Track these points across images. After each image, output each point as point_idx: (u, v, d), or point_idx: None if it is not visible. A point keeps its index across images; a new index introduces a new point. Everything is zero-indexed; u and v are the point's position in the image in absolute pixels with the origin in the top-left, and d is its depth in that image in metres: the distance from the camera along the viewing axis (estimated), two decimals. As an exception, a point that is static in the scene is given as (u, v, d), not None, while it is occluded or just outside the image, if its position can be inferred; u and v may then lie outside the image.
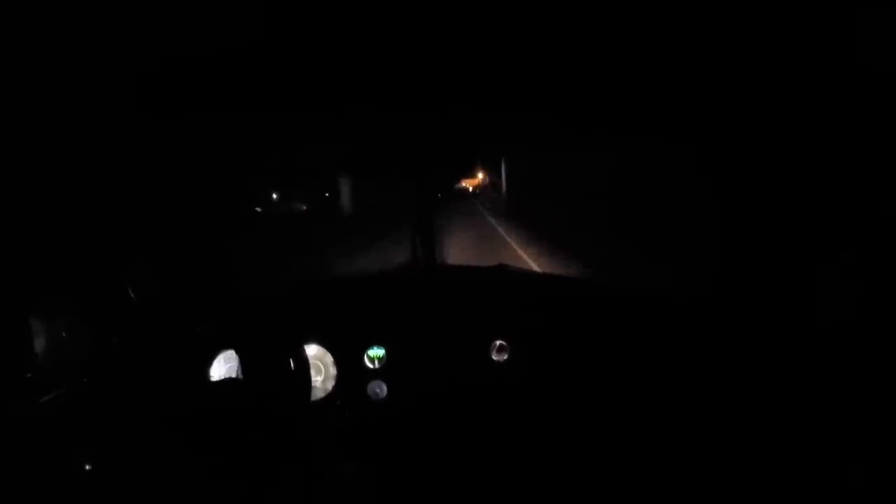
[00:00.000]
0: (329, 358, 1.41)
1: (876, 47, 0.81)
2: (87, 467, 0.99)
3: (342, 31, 0.88)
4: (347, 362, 1.41)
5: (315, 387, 1.36)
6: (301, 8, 0.82)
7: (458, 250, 6.04)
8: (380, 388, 1.41)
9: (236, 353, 1.17)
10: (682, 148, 1.45)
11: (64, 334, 1.11)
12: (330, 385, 1.40)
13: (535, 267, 5.31)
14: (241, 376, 1.27)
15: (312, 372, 1.26)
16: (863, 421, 0.90)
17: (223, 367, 1.33)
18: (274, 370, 1.14)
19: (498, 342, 1.45)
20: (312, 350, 1.40)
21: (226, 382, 1.19)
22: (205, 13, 0.82)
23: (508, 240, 8.05)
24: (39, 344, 1.06)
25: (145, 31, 0.85)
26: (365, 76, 1.02)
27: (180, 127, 1.18)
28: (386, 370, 1.42)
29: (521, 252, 6.73)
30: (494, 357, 1.45)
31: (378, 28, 0.88)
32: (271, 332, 1.14)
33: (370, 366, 1.43)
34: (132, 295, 1.25)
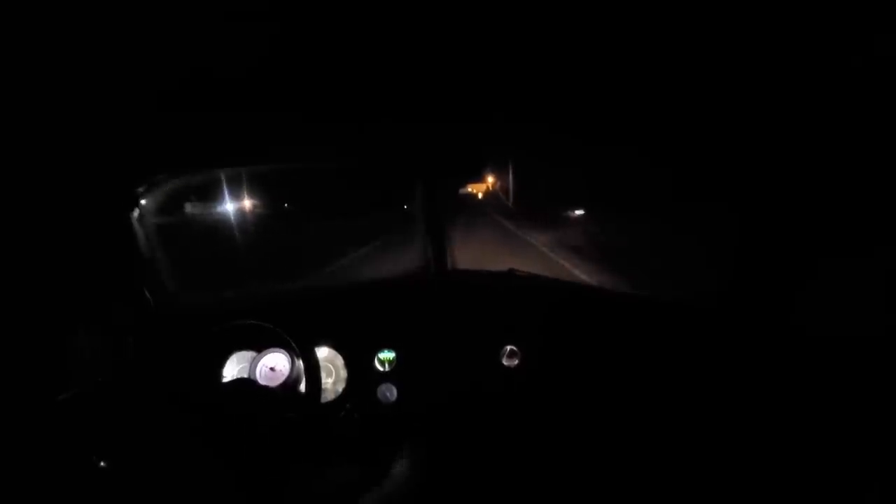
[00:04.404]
0: (340, 360, 1.41)
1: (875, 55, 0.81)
2: (102, 464, 1.00)
3: (344, 36, 0.89)
4: (358, 365, 1.41)
5: (325, 389, 1.37)
6: (308, 10, 0.82)
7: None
8: (390, 392, 1.42)
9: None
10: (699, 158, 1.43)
11: (81, 334, 1.12)
12: (340, 387, 1.40)
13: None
14: (253, 376, 1.29)
15: (323, 374, 1.27)
16: (877, 434, 0.89)
17: (235, 367, 1.35)
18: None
19: (509, 347, 1.44)
20: (323, 352, 1.40)
21: (238, 383, 1.20)
22: (215, 25, 0.83)
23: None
24: (57, 344, 1.08)
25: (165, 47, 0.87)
26: (369, 76, 1.03)
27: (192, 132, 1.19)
28: (396, 373, 1.42)
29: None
30: (505, 362, 1.44)
31: (382, 30, 0.88)
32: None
33: (381, 369, 1.43)
34: (148, 296, 1.26)
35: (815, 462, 0.96)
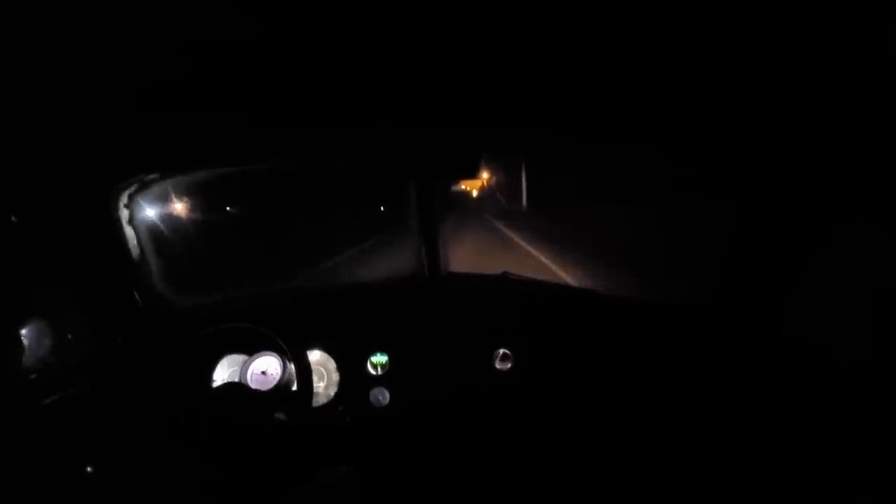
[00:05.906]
0: (332, 364, 1.41)
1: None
2: (89, 469, 0.99)
3: (339, 35, 0.87)
4: (350, 368, 1.41)
5: (317, 393, 1.36)
6: (304, 12, 0.81)
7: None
8: (382, 395, 1.41)
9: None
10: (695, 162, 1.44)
11: (69, 336, 1.11)
12: (332, 391, 1.39)
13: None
14: (243, 380, 1.28)
15: (315, 378, 1.26)
16: (869, 439, 0.90)
17: (226, 371, 1.33)
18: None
19: (501, 351, 1.44)
20: (316, 356, 1.39)
21: (228, 387, 1.19)
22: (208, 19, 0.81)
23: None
24: (45, 345, 1.06)
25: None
26: (364, 76, 1.01)
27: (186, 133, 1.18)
28: (389, 377, 1.42)
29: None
30: (498, 365, 1.44)
31: (378, 30, 0.87)
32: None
33: (373, 372, 1.42)
34: (137, 298, 1.24)
35: (806, 464, 0.97)
